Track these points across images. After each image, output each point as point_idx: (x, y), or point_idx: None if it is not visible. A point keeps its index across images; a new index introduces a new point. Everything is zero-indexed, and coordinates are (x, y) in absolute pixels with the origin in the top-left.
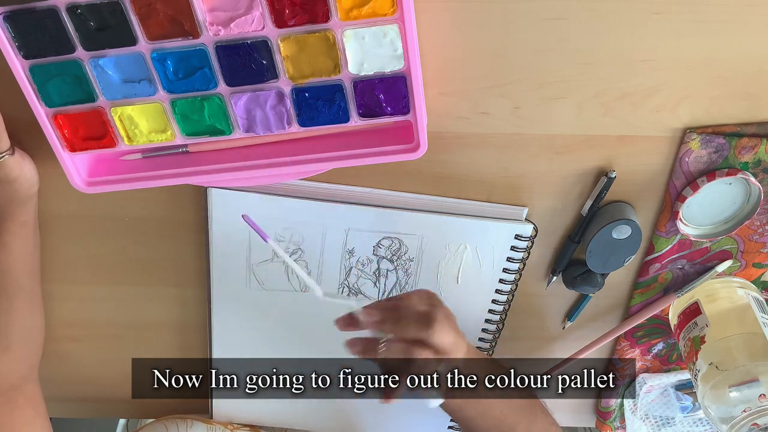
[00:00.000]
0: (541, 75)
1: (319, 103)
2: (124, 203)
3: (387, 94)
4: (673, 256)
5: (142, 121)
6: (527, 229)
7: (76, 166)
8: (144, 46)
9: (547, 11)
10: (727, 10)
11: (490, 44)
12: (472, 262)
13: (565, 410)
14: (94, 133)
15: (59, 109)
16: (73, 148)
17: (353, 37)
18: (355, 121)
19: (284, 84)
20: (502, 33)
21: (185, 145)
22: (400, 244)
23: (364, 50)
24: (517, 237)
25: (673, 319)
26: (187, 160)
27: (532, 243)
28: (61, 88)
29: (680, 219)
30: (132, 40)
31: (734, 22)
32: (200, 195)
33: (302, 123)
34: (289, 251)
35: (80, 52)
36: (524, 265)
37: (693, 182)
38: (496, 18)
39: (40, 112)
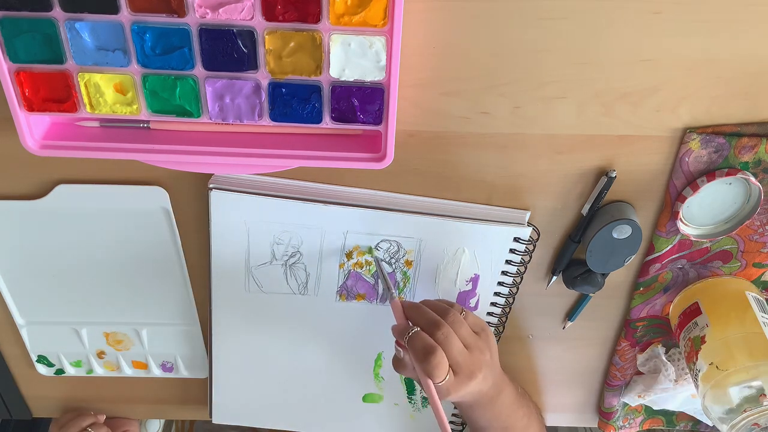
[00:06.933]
0: (541, 75)
1: (294, 101)
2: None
3: (362, 102)
4: (674, 256)
5: (109, 90)
6: (525, 232)
7: (30, 126)
8: (125, 16)
9: (547, 11)
10: (728, 10)
11: (491, 44)
12: (470, 266)
13: (566, 410)
14: (56, 95)
15: (23, 66)
16: (31, 108)
17: (340, 42)
18: (327, 124)
19: (263, 77)
20: (502, 33)
21: (147, 121)
22: (398, 247)
23: (348, 57)
24: (516, 240)
25: (673, 319)
26: (146, 137)
27: (534, 246)
28: (29, 45)
29: (680, 219)
30: (114, 9)
31: (734, 22)
32: (204, 195)
33: (274, 117)
34: (288, 254)
35: (57, 12)
36: (525, 268)
37: (693, 182)
38: (496, 18)
39: (2, 66)
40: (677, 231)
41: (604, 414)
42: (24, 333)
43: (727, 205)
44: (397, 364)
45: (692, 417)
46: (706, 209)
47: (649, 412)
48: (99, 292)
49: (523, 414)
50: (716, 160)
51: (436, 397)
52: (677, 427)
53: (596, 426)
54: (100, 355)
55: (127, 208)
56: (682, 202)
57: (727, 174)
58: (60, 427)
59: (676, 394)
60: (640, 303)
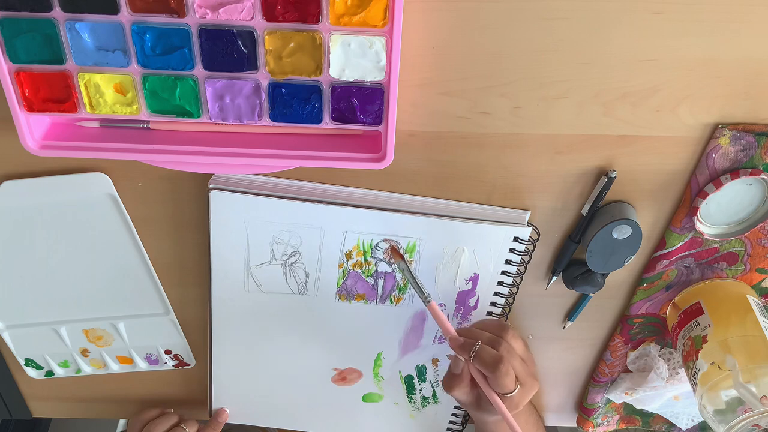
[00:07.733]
0: (541, 75)
1: (294, 101)
2: (125, 201)
3: (362, 102)
4: (683, 254)
5: (109, 91)
6: (525, 232)
7: (30, 127)
8: (125, 16)
9: (547, 11)
10: (728, 10)
11: (491, 44)
12: (470, 265)
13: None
14: (56, 95)
15: (23, 66)
16: (31, 108)
17: (340, 42)
18: (327, 124)
19: (262, 77)
20: (502, 33)
21: (147, 122)
22: (398, 247)
23: (348, 57)
24: (516, 240)
25: (672, 318)
26: (146, 137)
27: (534, 246)
28: (29, 45)
29: (698, 216)
30: (114, 9)
31: (734, 22)
32: (204, 195)
33: (274, 118)
34: (288, 254)
35: (57, 12)
36: (525, 268)
37: (717, 179)
38: (496, 18)
39: (2, 66)
40: (692, 228)
41: (585, 410)
42: (6, 337)
43: (743, 206)
44: (451, 381)
45: (667, 420)
46: (723, 208)
47: (628, 410)
48: (68, 289)
49: (534, 422)
50: (741, 159)
51: (507, 411)
52: (653, 429)
53: (575, 424)
54: (84, 353)
55: (74, 198)
56: (704, 198)
57: (751, 174)
58: (143, 424)
59: (663, 394)
60: (641, 299)
